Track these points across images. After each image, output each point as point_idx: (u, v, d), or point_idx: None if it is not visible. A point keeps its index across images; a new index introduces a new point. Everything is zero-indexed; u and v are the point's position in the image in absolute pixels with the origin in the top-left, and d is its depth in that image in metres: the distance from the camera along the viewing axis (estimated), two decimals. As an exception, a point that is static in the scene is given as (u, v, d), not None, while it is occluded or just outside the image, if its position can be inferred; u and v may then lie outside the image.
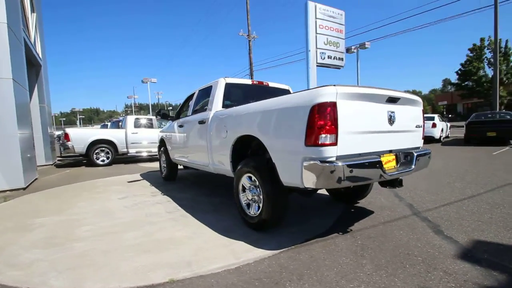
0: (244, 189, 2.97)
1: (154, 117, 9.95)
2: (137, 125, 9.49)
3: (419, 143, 2.96)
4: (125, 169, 7.93)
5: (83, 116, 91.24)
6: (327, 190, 3.88)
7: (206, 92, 4.22)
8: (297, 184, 2.29)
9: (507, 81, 25.51)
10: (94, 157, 8.66)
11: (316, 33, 16.02)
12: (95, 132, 9.21)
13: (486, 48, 26.72)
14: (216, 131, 3.43)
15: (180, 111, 5.26)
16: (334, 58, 16.87)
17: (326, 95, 2.04)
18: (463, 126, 11.74)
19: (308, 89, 2.28)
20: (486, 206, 3.30)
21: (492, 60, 25.15)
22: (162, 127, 9.69)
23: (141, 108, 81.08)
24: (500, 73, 24.97)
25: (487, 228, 2.66)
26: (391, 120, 2.48)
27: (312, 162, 2.08)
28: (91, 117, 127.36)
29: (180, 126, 4.68)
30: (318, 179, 2.09)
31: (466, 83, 28.58)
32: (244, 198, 2.97)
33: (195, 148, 4.14)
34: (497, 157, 7.48)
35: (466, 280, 1.81)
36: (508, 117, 10.58)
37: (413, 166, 2.68)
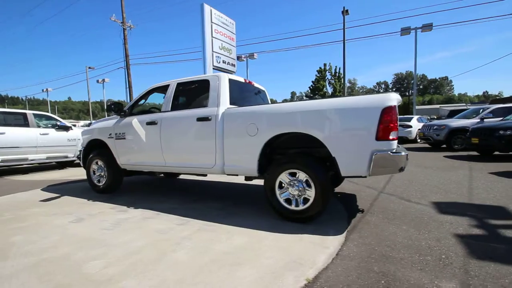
0: (281, 186, 3.04)
1: (29, 112, 7.24)
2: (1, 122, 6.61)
3: None
4: (-2, 187, 5.44)
5: None
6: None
7: (198, 87, 3.80)
8: (360, 174, 2.69)
9: (341, 96, 35.49)
10: None
11: (212, 36, 16.42)
12: None
13: (327, 71, 35.92)
14: (237, 129, 3.24)
15: (134, 106, 4.35)
16: (228, 64, 17.84)
17: (392, 100, 2.57)
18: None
19: (374, 94, 2.71)
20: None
21: (332, 80, 34.19)
22: (42, 125, 7.32)
23: None
24: (335, 91, 34.10)
25: (430, 194, 4.01)
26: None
27: (383, 153, 2.54)
28: None
29: (151, 123, 3.91)
30: (384, 168, 2.58)
31: (316, 96, 37.25)
32: (282, 194, 3.03)
33: (188, 148, 3.63)
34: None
35: (451, 223, 2.82)
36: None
37: None
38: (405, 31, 15.89)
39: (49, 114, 7.92)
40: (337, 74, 34.32)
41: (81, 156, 4.88)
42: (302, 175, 2.91)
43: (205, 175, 4.60)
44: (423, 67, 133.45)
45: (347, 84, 37.28)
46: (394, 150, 2.57)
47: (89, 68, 30.70)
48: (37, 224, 3.10)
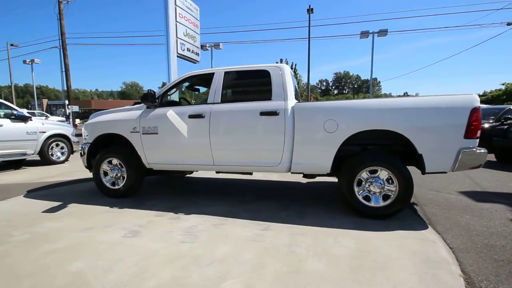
0: (360, 183, 3.03)
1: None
2: None
3: None
4: None
5: None
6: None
7: (253, 78, 3.47)
8: (443, 170, 2.85)
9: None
10: None
11: (176, 21, 15.20)
12: None
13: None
14: (312, 125, 3.07)
15: (164, 97, 3.75)
16: (192, 52, 16.80)
17: (478, 100, 2.76)
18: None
19: (461, 94, 2.84)
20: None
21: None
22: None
23: None
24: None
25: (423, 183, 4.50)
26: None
27: (469, 151, 2.73)
28: None
29: (195, 116, 3.41)
30: (469, 164, 2.78)
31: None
32: (360, 191, 3.02)
33: (247, 145, 3.29)
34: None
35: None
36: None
37: None
38: (364, 34, 17.44)
39: (2, 100, 6.25)
40: (294, 70, 35.54)
41: (83, 154, 4.00)
42: (384, 172, 2.94)
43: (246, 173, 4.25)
44: (356, 68, 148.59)
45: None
46: (477, 148, 2.79)
47: (12, 45, 25.14)
48: (81, 243, 2.44)
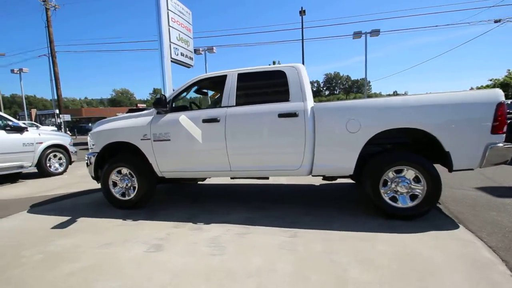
0: (385, 184, 2.94)
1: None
2: None
3: None
4: None
5: None
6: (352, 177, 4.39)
7: (268, 79, 3.36)
8: (471, 167, 2.79)
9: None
10: None
11: (169, 25, 15.03)
12: None
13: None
14: (334, 126, 2.98)
15: (174, 101, 3.60)
16: (186, 56, 16.61)
17: (502, 95, 2.72)
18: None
19: (485, 90, 2.80)
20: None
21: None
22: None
23: None
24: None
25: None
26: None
27: (497, 146, 2.68)
28: None
29: (210, 120, 3.28)
30: (496, 159, 2.73)
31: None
32: (387, 192, 2.94)
33: (266, 148, 3.17)
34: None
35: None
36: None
37: None
38: (357, 34, 17.62)
39: (-4, 111, 5.97)
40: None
41: (89, 164, 3.81)
42: (410, 172, 2.86)
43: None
44: (346, 69, 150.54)
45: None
46: (504, 144, 2.74)
47: (-1, 54, 24.41)
48: (103, 261, 2.27)
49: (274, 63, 37.00)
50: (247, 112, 3.24)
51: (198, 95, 4.52)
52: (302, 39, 17.99)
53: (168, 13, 15.29)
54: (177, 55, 16.67)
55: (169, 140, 3.42)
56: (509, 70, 28.69)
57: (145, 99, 77.61)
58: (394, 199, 2.94)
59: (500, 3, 28.26)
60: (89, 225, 3.16)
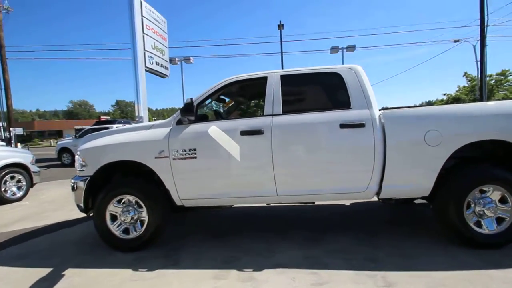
0: (469, 206, 2.48)
1: None
2: None
3: None
4: None
5: None
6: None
7: (319, 82, 2.80)
8: None
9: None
10: None
11: (144, 33, 14.09)
12: None
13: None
14: (409, 138, 2.48)
15: (198, 108, 2.84)
16: (161, 66, 15.65)
17: None
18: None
19: None
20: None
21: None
22: None
23: None
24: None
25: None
26: None
27: None
28: None
29: (250, 132, 2.57)
30: None
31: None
32: (471, 216, 2.47)
33: (326, 167, 2.55)
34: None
35: None
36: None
37: None
38: (334, 49, 18.09)
39: None
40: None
41: (75, 189, 2.83)
42: (496, 192, 2.43)
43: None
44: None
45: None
46: None
47: None
48: None
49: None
50: (298, 122, 2.60)
51: (214, 102, 3.76)
52: (281, 52, 18.05)
53: (142, 19, 14.19)
54: (152, 64, 15.51)
55: (195, 158, 2.63)
56: (459, 86, 31.70)
57: (107, 111, 72.30)
58: (478, 223, 2.48)
59: (461, 27, 31.52)
60: (86, 281, 2.21)
